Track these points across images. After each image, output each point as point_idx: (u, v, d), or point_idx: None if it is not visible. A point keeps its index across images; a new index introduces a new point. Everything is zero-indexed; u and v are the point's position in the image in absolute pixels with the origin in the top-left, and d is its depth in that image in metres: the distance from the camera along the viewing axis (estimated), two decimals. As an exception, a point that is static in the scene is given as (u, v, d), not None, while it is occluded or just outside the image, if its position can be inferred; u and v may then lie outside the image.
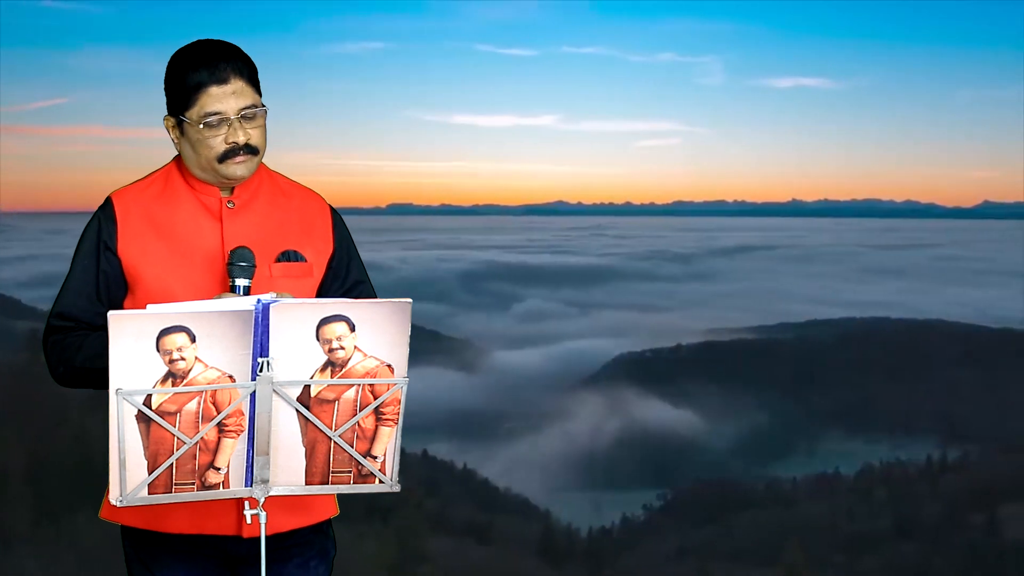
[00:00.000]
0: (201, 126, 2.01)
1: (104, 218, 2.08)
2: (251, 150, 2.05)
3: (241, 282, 1.98)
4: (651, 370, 69.08)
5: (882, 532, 37.31)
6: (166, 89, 2.07)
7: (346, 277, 2.19)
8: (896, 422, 59.55)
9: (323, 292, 2.16)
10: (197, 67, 2.02)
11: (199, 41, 2.06)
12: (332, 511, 2.20)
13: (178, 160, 2.14)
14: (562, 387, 66.98)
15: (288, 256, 2.11)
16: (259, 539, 1.92)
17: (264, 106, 2.06)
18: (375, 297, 2.20)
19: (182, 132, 2.06)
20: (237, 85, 2.02)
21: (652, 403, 63.67)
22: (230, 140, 2.02)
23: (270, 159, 2.18)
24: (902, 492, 41.87)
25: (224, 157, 2.03)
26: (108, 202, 2.10)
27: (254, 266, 2.00)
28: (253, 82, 2.06)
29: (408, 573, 25.71)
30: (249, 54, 2.07)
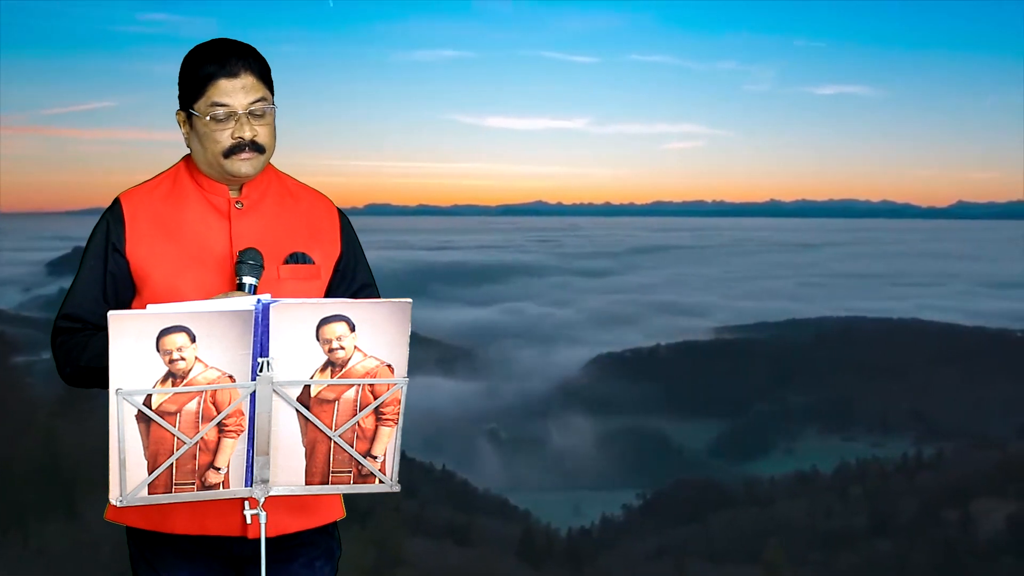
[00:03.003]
0: (208, 118, 2.00)
1: (112, 219, 2.07)
2: (257, 147, 2.03)
3: (248, 280, 1.97)
4: (630, 370, 69.28)
5: (859, 529, 37.62)
6: (179, 83, 2.07)
7: (352, 280, 2.18)
8: (873, 420, 60.06)
9: (330, 294, 2.15)
10: (208, 61, 2.02)
11: (214, 38, 2.07)
12: (339, 513, 2.19)
13: (187, 160, 2.13)
14: (542, 387, 67.04)
15: (297, 258, 2.10)
16: (267, 540, 1.92)
17: (274, 105, 2.06)
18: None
19: (191, 126, 2.06)
20: (247, 80, 2.01)
21: (631, 403, 63.84)
22: (236, 135, 2.01)
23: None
24: (879, 489, 42.23)
25: (230, 152, 2.02)
26: (116, 203, 2.09)
27: (262, 266, 1.99)
28: (265, 80, 2.05)
29: (386, 576, 25.61)
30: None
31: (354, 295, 2.17)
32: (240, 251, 2.01)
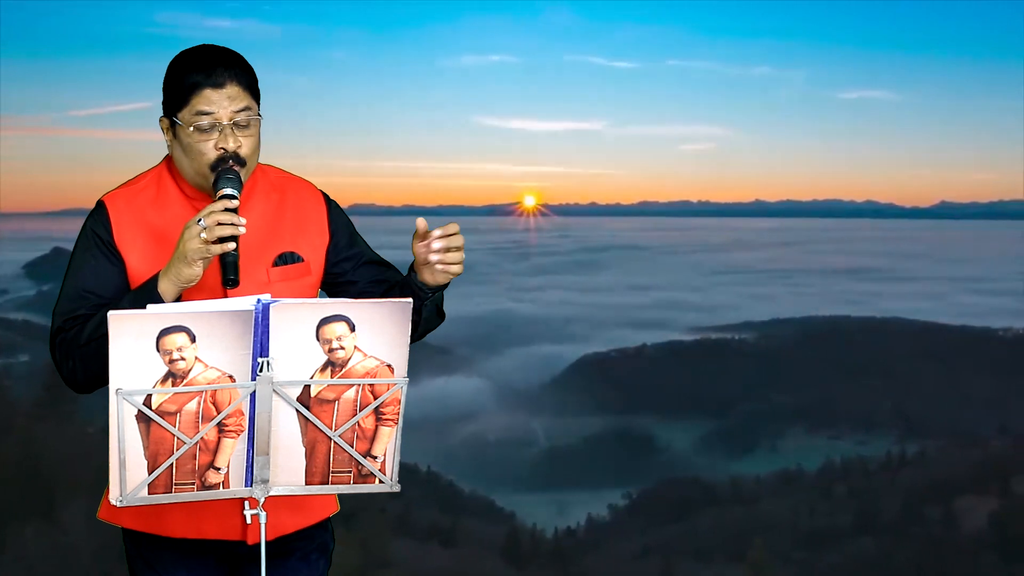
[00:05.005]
0: (191, 128, 1.97)
1: (100, 222, 2.04)
2: (240, 161, 1.99)
3: (228, 191, 1.94)
4: (616, 370, 69.43)
5: (843, 528, 37.83)
6: (164, 90, 2.04)
7: (359, 259, 2.17)
8: (857, 419, 60.42)
9: (338, 277, 2.15)
10: (194, 69, 1.98)
11: (202, 45, 2.03)
12: (333, 508, 2.22)
13: (168, 162, 2.10)
14: (527, 388, 67.11)
15: (285, 258, 2.09)
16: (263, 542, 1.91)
17: (260, 115, 2.03)
18: (395, 271, 2.21)
19: (175, 135, 2.03)
20: (233, 90, 1.97)
21: (616, 403, 63.97)
22: (220, 146, 1.98)
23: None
24: (862, 487, 42.49)
25: (216, 165, 1.99)
26: (101, 206, 2.05)
27: (241, 180, 1.98)
28: (251, 90, 2.02)
29: (371, 578, 25.56)
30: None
31: (367, 265, 2.16)
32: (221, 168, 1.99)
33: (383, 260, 2.22)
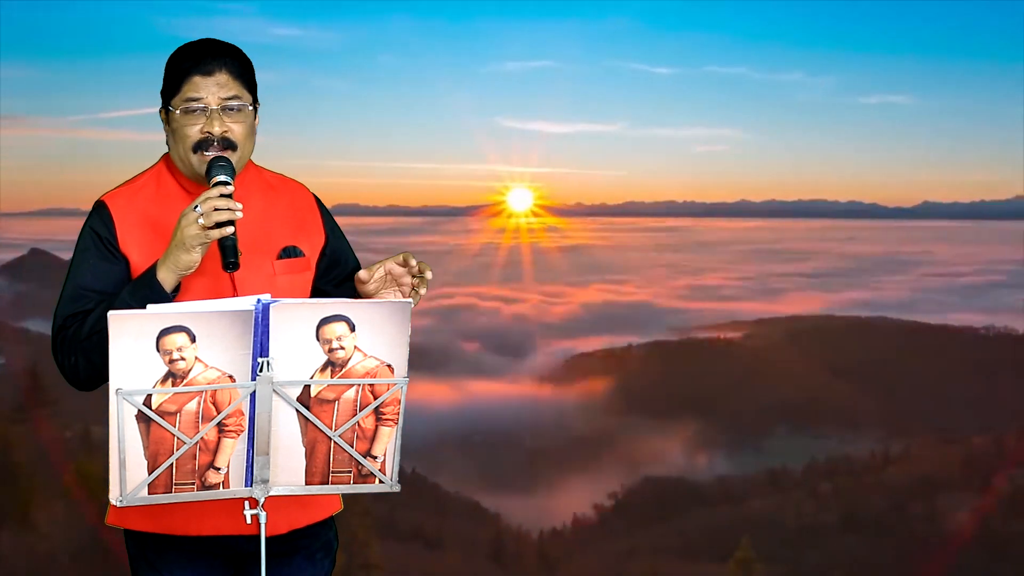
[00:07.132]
0: (179, 112, 2.00)
1: (102, 222, 2.04)
2: (228, 144, 2.01)
3: (221, 177, 1.95)
4: (602, 370, 69.51)
5: (829, 526, 38.03)
6: (162, 82, 2.06)
7: (345, 263, 2.21)
8: (841, 417, 60.72)
9: (323, 281, 2.17)
10: (186, 59, 2.02)
11: (200, 39, 2.06)
12: (337, 506, 2.24)
13: (166, 159, 2.12)
14: (512, 387, 67.07)
15: (289, 252, 2.11)
16: (273, 537, 1.92)
17: (253, 106, 2.05)
18: None
19: (169, 123, 2.05)
20: (222, 78, 2.00)
21: (602, 403, 64.06)
22: (205, 130, 2.00)
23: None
24: (848, 486, 42.73)
25: (198, 147, 2.00)
26: (102, 205, 2.06)
27: (234, 168, 1.99)
28: (244, 79, 2.04)
29: (355, 582, 25.49)
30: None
31: (349, 277, 2.18)
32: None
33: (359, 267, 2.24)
